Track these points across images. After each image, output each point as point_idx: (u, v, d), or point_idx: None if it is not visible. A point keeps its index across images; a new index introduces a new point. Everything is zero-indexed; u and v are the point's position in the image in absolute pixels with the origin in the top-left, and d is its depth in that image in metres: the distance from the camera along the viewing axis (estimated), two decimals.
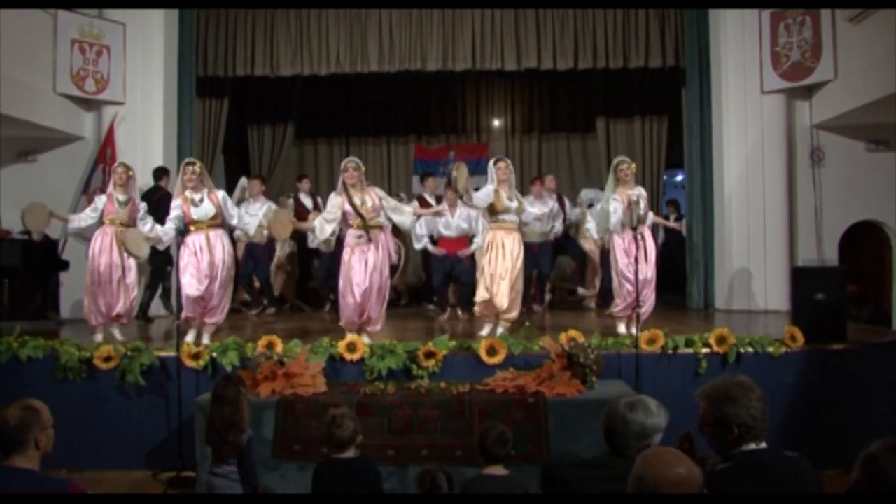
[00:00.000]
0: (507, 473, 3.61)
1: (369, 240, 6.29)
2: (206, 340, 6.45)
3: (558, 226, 9.33)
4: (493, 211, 6.67)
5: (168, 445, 5.85)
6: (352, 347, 5.91)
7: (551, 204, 9.21)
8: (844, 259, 8.73)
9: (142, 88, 9.04)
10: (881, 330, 7.57)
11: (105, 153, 8.75)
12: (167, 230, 6.54)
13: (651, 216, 7.10)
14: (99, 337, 6.73)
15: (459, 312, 8.67)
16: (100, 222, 6.92)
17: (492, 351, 5.88)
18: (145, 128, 9.04)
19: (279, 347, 5.91)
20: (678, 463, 2.04)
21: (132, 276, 6.93)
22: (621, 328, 6.81)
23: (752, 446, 2.45)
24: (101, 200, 6.94)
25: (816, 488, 2.40)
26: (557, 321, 8.00)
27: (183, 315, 6.31)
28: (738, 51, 8.89)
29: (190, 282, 6.29)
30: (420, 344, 5.96)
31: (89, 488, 2.91)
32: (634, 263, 6.23)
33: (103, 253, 6.76)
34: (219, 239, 6.48)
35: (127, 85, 8.98)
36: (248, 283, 9.10)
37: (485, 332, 6.72)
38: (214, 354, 5.95)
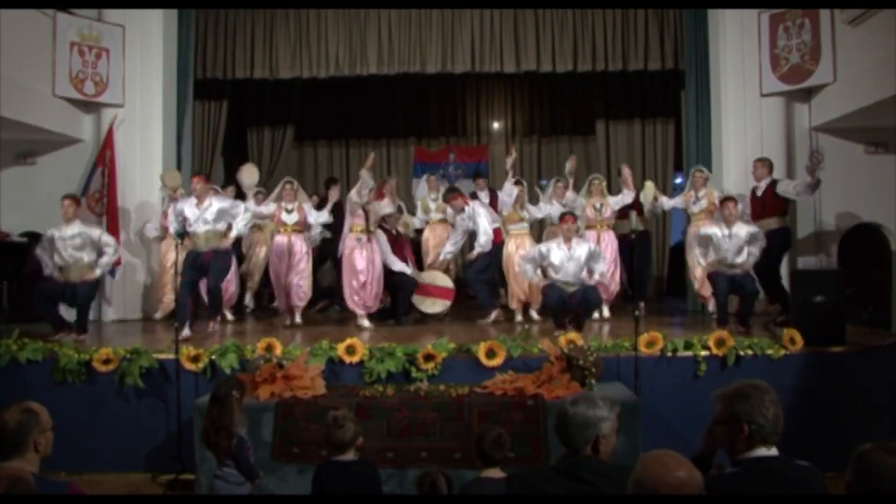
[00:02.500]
0: (505, 476, 3.60)
1: (368, 240, 7.72)
2: (297, 320, 8.02)
3: (601, 267, 7.73)
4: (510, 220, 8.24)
5: (167, 448, 5.86)
6: (351, 350, 5.91)
7: (586, 249, 7.34)
8: (843, 262, 8.72)
9: (141, 91, 9.03)
10: (880, 332, 7.55)
11: (104, 155, 8.74)
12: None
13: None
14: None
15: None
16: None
17: (491, 353, 5.88)
18: (144, 130, 9.03)
19: (278, 350, 5.91)
20: (678, 466, 2.03)
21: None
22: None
23: (763, 451, 2.42)
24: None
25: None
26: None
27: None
28: (737, 53, 8.88)
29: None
30: (419, 346, 5.96)
31: (88, 491, 2.91)
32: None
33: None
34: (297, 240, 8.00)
35: (126, 87, 8.98)
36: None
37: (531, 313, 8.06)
38: (213, 357, 5.95)
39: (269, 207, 8.20)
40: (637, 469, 2.07)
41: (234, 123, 11.44)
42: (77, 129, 8.92)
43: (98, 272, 7.17)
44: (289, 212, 8.02)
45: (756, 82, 8.79)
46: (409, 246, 8.72)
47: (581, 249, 7.13)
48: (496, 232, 8.07)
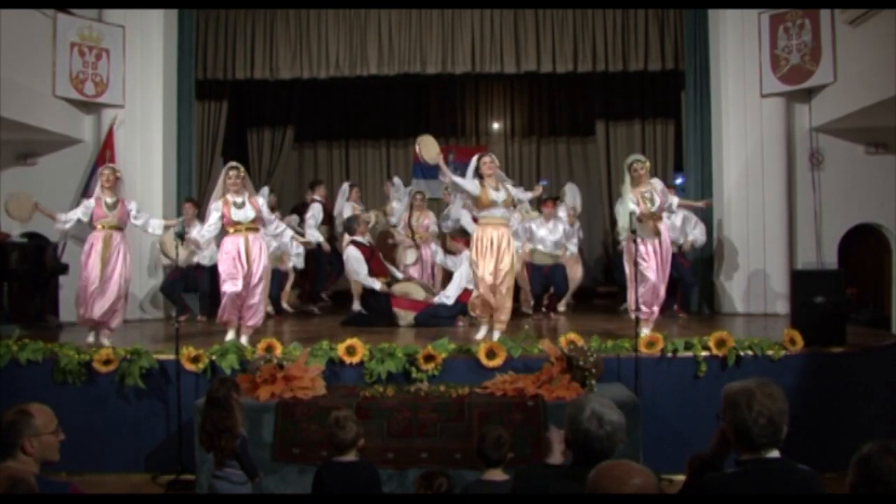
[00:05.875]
0: (507, 478, 3.60)
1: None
2: (244, 341, 6.52)
3: (572, 247, 8.98)
4: (479, 206, 6.53)
5: (167, 448, 5.85)
6: (351, 350, 5.90)
7: (562, 228, 8.81)
8: (844, 262, 8.72)
9: (141, 91, 9.03)
10: (881, 333, 7.56)
11: (105, 156, 8.73)
12: (205, 233, 6.71)
13: (676, 200, 7.19)
14: (90, 339, 6.90)
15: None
16: (91, 227, 6.95)
17: (491, 354, 5.88)
18: (145, 131, 9.03)
19: (278, 350, 5.91)
20: (630, 475, 1.98)
21: (114, 284, 6.83)
22: (645, 330, 6.44)
23: (759, 454, 2.40)
24: (89, 204, 6.96)
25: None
26: (568, 325, 8.02)
27: (222, 317, 6.58)
28: (738, 54, 8.89)
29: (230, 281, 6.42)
30: (419, 347, 5.96)
31: (89, 491, 2.91)
32: (634, 266, 6.31)
33: (90, 257, 6.81)
34: (256, 241, 6.56)
35: (126, 88, 8.97)
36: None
37: (480, 335, 6.66)
38: (214, 357, 5.95)
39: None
40: (590, 487, 2.00)
41: (234, 124, 11.44)
42: (77, 130, 8.92)
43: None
44: (239, 206, 6.50)
45: (756, 83, 8.80)
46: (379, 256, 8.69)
47: (558, 228, 8.77)
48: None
